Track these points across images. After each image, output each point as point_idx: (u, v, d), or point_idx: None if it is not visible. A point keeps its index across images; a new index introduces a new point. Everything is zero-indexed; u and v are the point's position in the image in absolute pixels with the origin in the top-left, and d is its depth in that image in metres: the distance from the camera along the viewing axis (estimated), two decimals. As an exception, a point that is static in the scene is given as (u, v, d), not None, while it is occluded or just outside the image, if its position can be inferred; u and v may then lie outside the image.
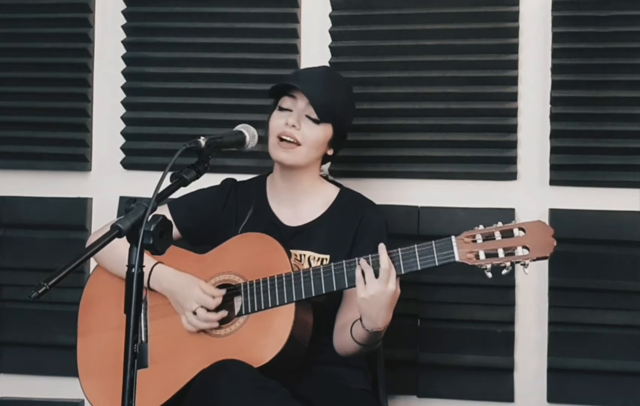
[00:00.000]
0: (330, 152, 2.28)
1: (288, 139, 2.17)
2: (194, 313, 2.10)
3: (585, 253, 2.56)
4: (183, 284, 2.14)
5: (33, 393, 2.83)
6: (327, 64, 2.70)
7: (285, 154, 2.18)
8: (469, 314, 2.63)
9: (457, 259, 1.97)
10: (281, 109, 2.22)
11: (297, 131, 2.17)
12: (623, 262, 2.55)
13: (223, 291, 2.12)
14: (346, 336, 2.11)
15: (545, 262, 2.57)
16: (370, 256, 2.00)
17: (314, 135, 2.19)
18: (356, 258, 2.02)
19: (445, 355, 2.64)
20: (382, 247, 1.99)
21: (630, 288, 2.54)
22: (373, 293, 1.95)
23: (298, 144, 2.17)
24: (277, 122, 2.20)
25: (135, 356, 1.59)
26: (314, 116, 2.18)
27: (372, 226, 2.21)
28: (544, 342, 2.60)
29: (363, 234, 2.20)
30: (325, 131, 2.21)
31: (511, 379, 2.62)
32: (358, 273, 1.98)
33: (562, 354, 2.57)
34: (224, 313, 2.10)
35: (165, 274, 2.17)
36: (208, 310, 2.09)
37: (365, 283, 1.97)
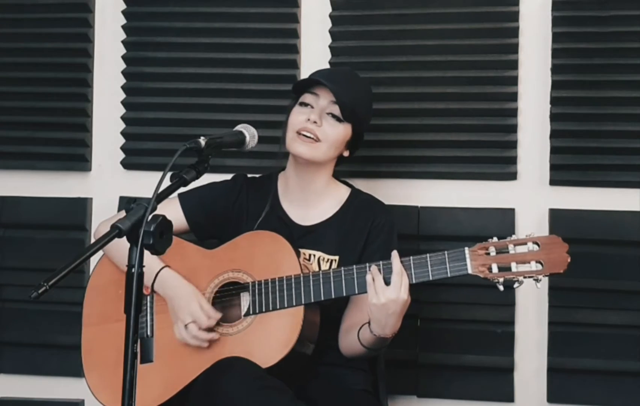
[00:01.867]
0: (346, 153, 2.27)
1: (308, 135, 2.15)
2: (186, 326, 2.09)
3: (585, 253, 2.56)
4: (183, 294, 2.13)
5: (33, 393, 2.83)
6: (328, 65, 2.70)
7: (304, 148, 2.15)
8: (469, 314, 2.63)
9: (469, 271, 1.95)
10: (302, 104, 2.20)
11: (319, 128, 2.15)
12: (623, 262, 2.55)
13: (219, 315, 2.11)
14: (353, 338, 2.10)
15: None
16: (381, 262, 1.98)
17: (335, 133, 2.17)
18: (367, 264, 2.00)
19: (445, 355, 2.64)
20: (395, 254, 1.97)
21: (630, 288, 2.54)
22: (385, 301, 1.93)
23: (318, 140, 2.16)
24: (298, 118, 2.17)
25: (135, 356, 1.58)
26: (337, 113, 2.16)
27: (384, 230, 2.20)
28: (544, 342, 2.60)
29: (374, 237, 2.19)
30: (345, 130, 2.20)
31: (511, 379, 2.62)
32: (369, 278, 1.96)
33: (562, 354, 2.57)
34: (214, 336, 2.09)
35: (169, 279, 2.16)
36: (200, 328, 2.08)
37: (376, 290, 1.95)
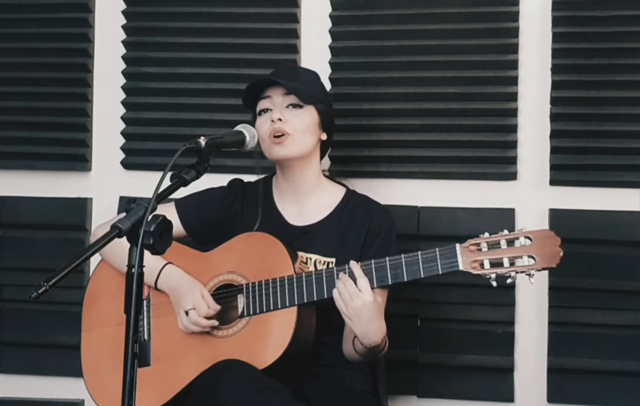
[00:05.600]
0: (324, 136, 2.27)
1: (278, 134, 2.16)
2: (187, 313, 2.11)
3: (585, 253, 2.56)
4: (187, 282, 2.15)
5: (33, 393, 2.83)
6: (328, 65, 2.70)
7: (281, 148, 2.17)
8: (469, 314, 2.63)
9: (461, 268, 1.94)
10: (260, 113, 2.22)
11: (284, 123, 2.16)
12: (623, 262, 2.55)
13: (219, 307, 2.12)
14: (350, 347, 2.13)
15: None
16: (347, 266, 2.01)
17: (301, 120, 2.18)
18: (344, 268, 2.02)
19: (445, 355, 2.64)
20: (353, 263, 2.00)
21: (630, 288, 2.54)
22: (353, 310, 1.95)
23: (288, 134, 2.16)
24: (264, 126, 2.19)
25: (135, 356, 1.58)
26: (295, 101, 2.18)
27: (383, 230, 2.20)
28: (544, 342, 2.59)
29: (373, 239, 2.19)
30: (310, 113, 2.20)
31: (511, 379, 2.62)
32: (336, 295, 1.98)
33: (562, 354, 2.57)
34: (214, 322, 2.11)
35: (174, 273, 2.18)
36: (199, 315, 2.10)
37: (344, 302, 1.97)
